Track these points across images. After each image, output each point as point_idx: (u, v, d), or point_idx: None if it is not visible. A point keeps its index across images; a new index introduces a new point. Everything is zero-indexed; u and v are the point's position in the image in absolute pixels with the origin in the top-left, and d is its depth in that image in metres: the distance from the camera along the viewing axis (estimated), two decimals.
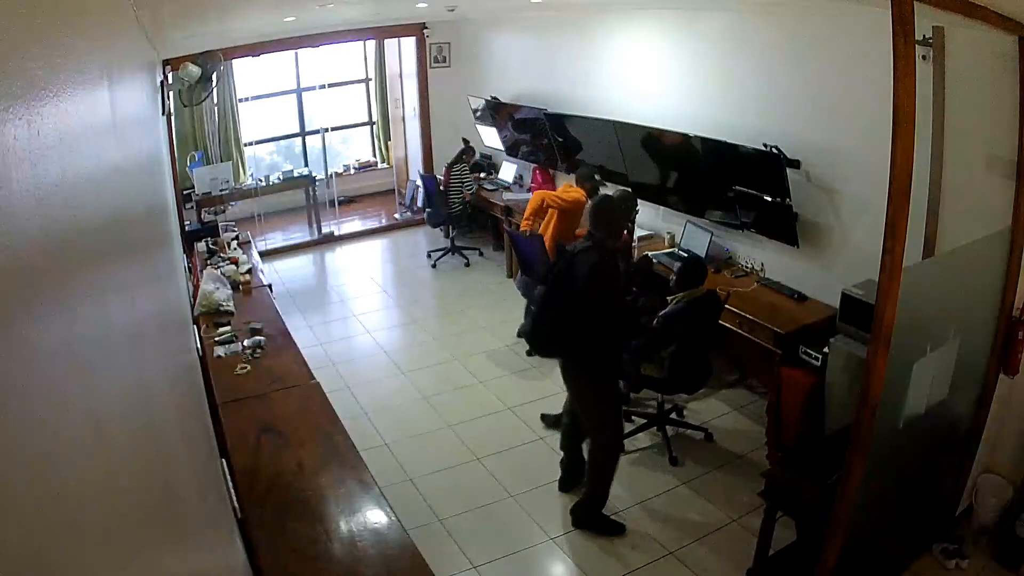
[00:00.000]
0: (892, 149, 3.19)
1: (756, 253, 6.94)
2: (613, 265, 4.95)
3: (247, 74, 12.25)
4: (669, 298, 5.77)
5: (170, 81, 7.86)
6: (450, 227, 10.84)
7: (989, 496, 4.98)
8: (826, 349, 5.41)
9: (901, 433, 4.06)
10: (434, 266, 10.64)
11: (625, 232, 7.01)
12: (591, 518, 5.30)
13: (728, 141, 6.44)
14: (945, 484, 5.05)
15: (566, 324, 4.87)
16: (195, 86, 7.39)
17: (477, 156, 10.90)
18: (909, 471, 4.58)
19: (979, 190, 4.70)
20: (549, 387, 7.14)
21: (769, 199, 6.25)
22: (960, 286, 4.28)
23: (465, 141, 10.44)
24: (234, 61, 11.24)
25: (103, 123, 1.70)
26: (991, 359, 4.62)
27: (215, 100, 11.65)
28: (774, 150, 6.01)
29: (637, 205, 7.06)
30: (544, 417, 6.56)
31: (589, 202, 6.75)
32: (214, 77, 7.54)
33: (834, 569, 4.04)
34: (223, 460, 3.79)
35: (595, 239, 4.87)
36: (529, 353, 7.03)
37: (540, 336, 5.18)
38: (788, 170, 5.99)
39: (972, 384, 4.68)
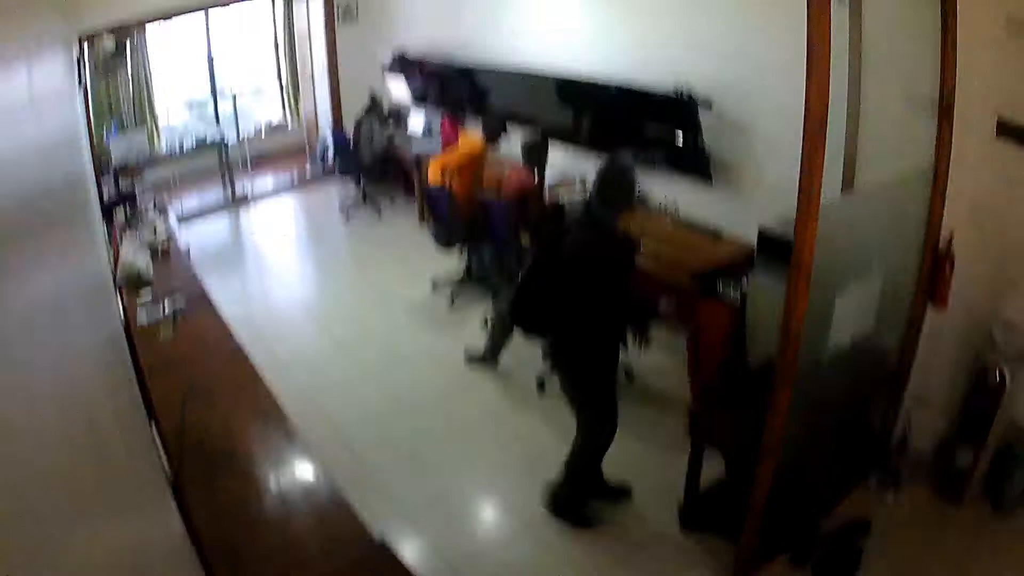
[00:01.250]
0: (807, 89, 3.15)
1: (670, 191, 6.97)
2: (612, 247, 4.39)
3: (160, 41, 12.06)
4: None
5: (86, 55, 7.73)
6: (361, 179, 10.97)
7: (923, 426, 5.03)
8: (745, 284, 5.41)
9: (827, 365, 4.08)
10: (347, 219, 10.79)
11: (537, 176, 7.07)
12: (565, 507, 4.99)
13: (639, 88, 6.47)
14: (877, 416, 5.11)
15: (551, 303, 4.44)
16: (110, 58, 7.32)
17: (385, 108, 10.99)
18: (839, 403, 4.56)
19: (898, 124, 4.69)
20: (466, 331, 7.39)
21: (681, 138, 6.28)
22: (880, 221, 4.27)
23: (372, 94, 10.53)
24: (147, 28, 11.07)
25: (20, 102, 1.66)
26: (917, 292, 4.64)
27: (129, 70, 11.47)
28: (685, 94, 6.04)
29: (548, 150, 7.13)
30: (467, 351, 6.78)
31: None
32: (128, 47, 7.47)
33: (766, 502, 4.06)
34: (152, 425, 3.76)
35: (595, 215, 4.34)
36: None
37: (522, 314, 4.67)
38: (700, 109, 6.02)
39: (900, 315, 4.71)
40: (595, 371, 4.61)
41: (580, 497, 4.97)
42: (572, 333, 4.47)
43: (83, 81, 6.87)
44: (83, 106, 7.47)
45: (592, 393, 4.68)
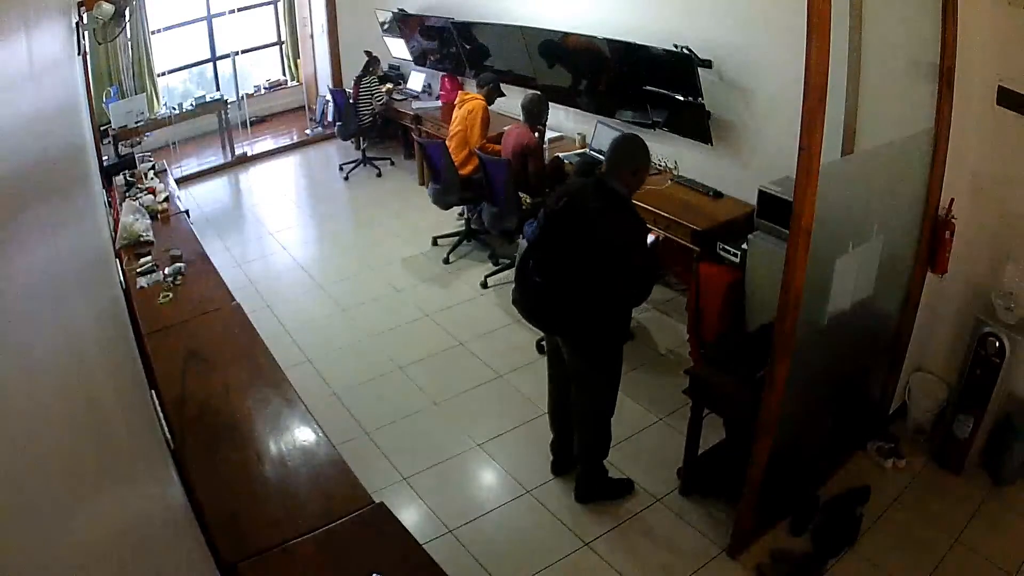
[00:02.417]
0: (807, 52, 3.11)
1: (669, 151, 6.93)
2: (637, 219, 4.23)
3: (159, 4, 11.99)
4: None
5: (84, 21, 7.70)
6: (361, 139, 10.94)
7: (922, 395, 5.07)
8: (745, 245, 5.45)
9: (827, 329, 4.05)
10: (347, 179, 10.80)
11: (537, 134, 7.07)
12: (598, 490, 4.85)
13: (637, 43, 6.42)
14: (877, 382, 5.13)
15: (577, 294, 4.19)
16: (109, 23, 7.28)
17: (384, 67, 10.97)
18: (838, 368, 4.56)
19: (899, 93, 4.61)
20: (465, 292, 7.44)
21: (681, 98, 6.26)
22: (881, 184, 4.25)
23: (368, 53, 10.49)
24: None
25: (22, 71, 1.65)
26: (917, 257, 4.62)
27: (128, 34, 11.43)
28: (684, 50, 6.00)
29: (547, 108, 7.11)
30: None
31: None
32: (127, 12, 7.43)
33: (766, 466, 4.05)
34: (152, 391, 3.76)
35: (610, 188, 4.13)
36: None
37: (538, 315, 4.50)
38: (700, 70, 5.98)
39: (899, 282, 4.70)
40: (608, 345, 4.43)
41: (603, 470, 4.84)
42: (587, 315, 4.22)
43: (82, 47, 6.86)
44: (83, 72, 7.45)
45: (600, 366, 4.47)
